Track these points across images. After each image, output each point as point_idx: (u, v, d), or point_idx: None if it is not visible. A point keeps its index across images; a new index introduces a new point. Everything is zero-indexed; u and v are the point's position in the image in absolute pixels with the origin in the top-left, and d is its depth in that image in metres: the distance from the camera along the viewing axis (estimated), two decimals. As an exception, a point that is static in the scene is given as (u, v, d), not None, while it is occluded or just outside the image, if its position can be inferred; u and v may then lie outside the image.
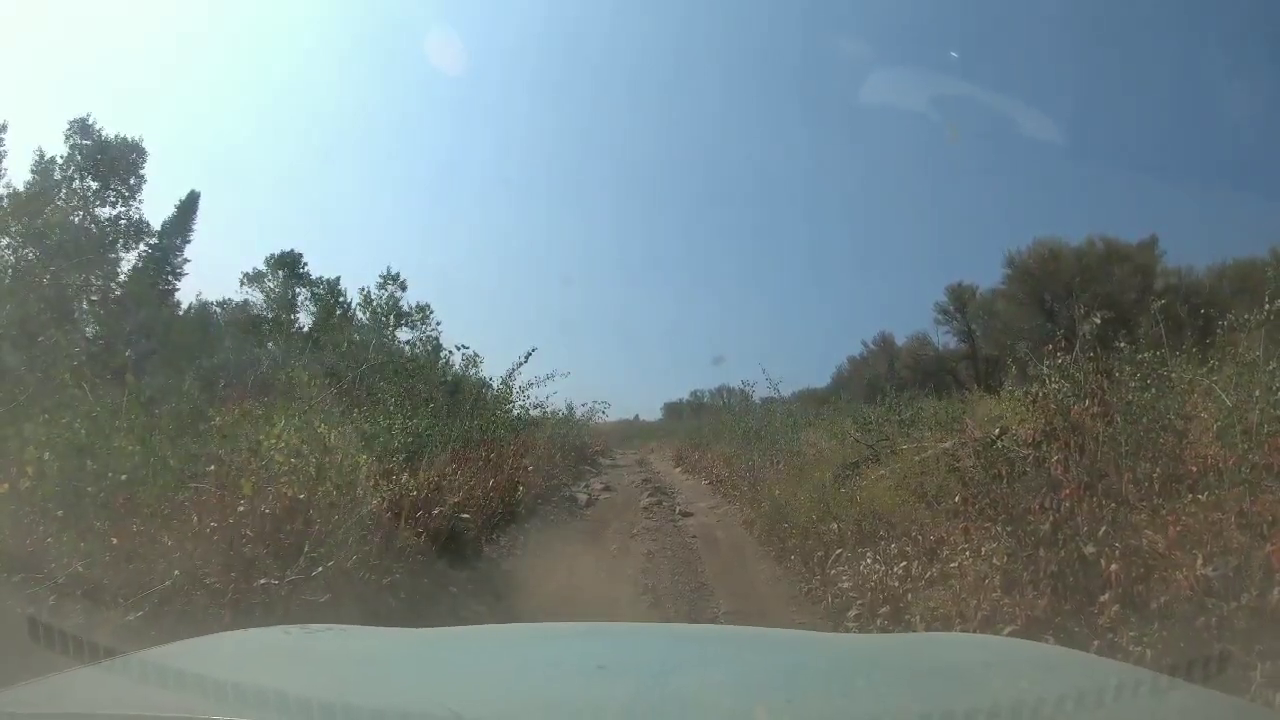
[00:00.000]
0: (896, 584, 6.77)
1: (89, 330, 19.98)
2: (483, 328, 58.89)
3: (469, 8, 40.57)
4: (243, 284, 29.04)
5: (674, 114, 49.20)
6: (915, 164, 45.24)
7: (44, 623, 3.08)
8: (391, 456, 9.16)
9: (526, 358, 18.12)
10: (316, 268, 29.42)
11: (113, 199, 25.15)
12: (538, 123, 50.37)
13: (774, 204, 53.72)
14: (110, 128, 25.49)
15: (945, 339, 40.57)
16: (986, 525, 6.18)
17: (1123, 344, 7.12)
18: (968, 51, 39.67)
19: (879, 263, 52.68)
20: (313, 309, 27.76)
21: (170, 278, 27.72)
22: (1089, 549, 5.16)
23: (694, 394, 50.54)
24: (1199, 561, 4.67)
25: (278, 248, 29.79)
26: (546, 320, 50.58)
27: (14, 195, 17.82)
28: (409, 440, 10.50)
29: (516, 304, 52.69)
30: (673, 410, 52.66)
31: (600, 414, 27.25)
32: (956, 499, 6.85)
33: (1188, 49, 30.90)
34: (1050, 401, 6.33)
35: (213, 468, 6.33)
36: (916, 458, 9.50)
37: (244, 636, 3.10)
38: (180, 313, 25.74)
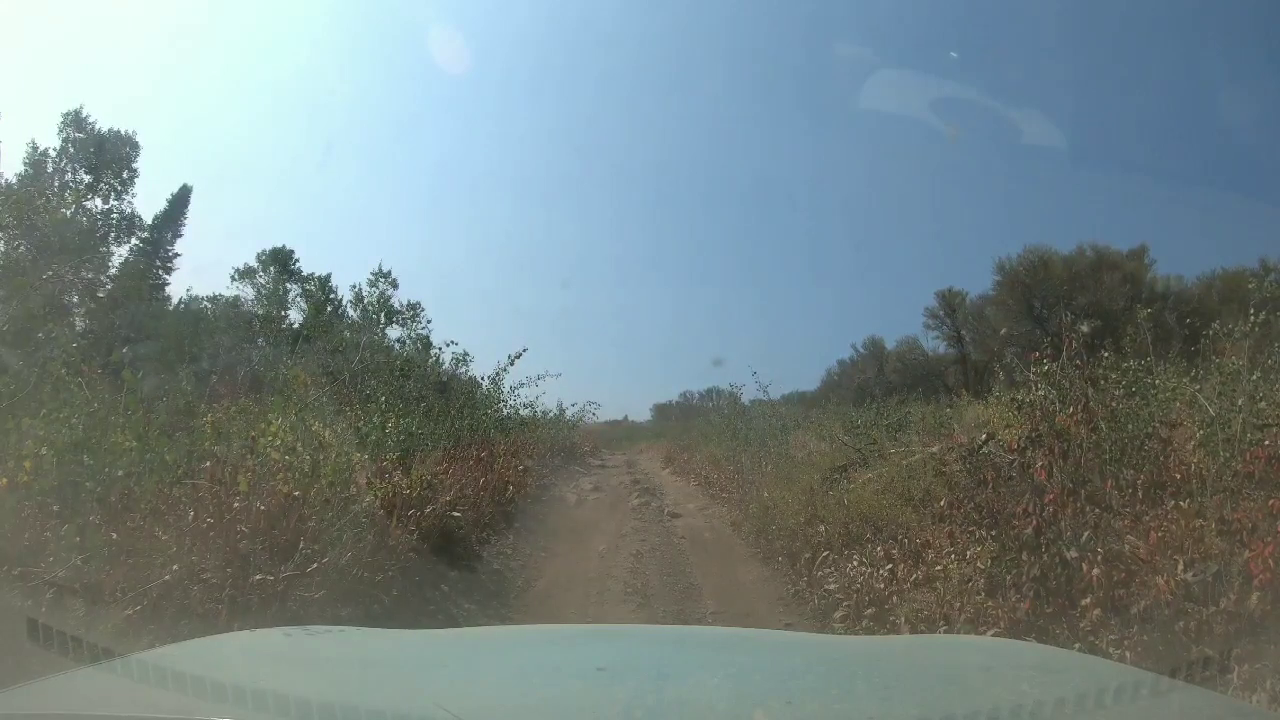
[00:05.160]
0: (882, 586, 6.83)
1: (79, 324, 19.91)
2: (477, 326, 58.76)
3: (470, 7, 40.37)
4: (233, 279, 28.90)
5: (669, 117, 49.17)
6: (909, 169, 45.27)
7: (42, 623, 3.10)
8: (384, 455, 9.19)
9: (514, 359, 18.19)
10: (316, 267, 29.26)
11: (104, 192, 25.09)
12: (536, 124, 50.22)
13: (768, 207, 53.58)
14: (109, 123, 25.52)
15: (935, 344, 40.74)
16: (971, 529, 6.26)
17: (1108, 352, 7.21)
18: (965, 57, 39.75)
19: (870, 267, 52.69)
20: (303, 306, 27.63)
21: (160, 272, 27.69)
22: (1071, 553, 5.23)
23: (683, 395, 50.76)
24: (1179, 567, 4.76)
25: (275, 246, 29.71)
26: (541, 319, 50.52)
27: (6, 187, 17.73)
28: (401, 439, 10.53)
29: (512, 303, 52.59)
30: (662, 411, 52.80)
31: (590, 414, 27.37)
32: (942, 503, 6.93)
33: (1185, 55, 31.02)
34: (1036, 408, 6.40)
35: (208, 464, 6.34)
36: (904, 462, 9.59)
37: (244, 638, 3.11)
38: (170, 307, 25.62)
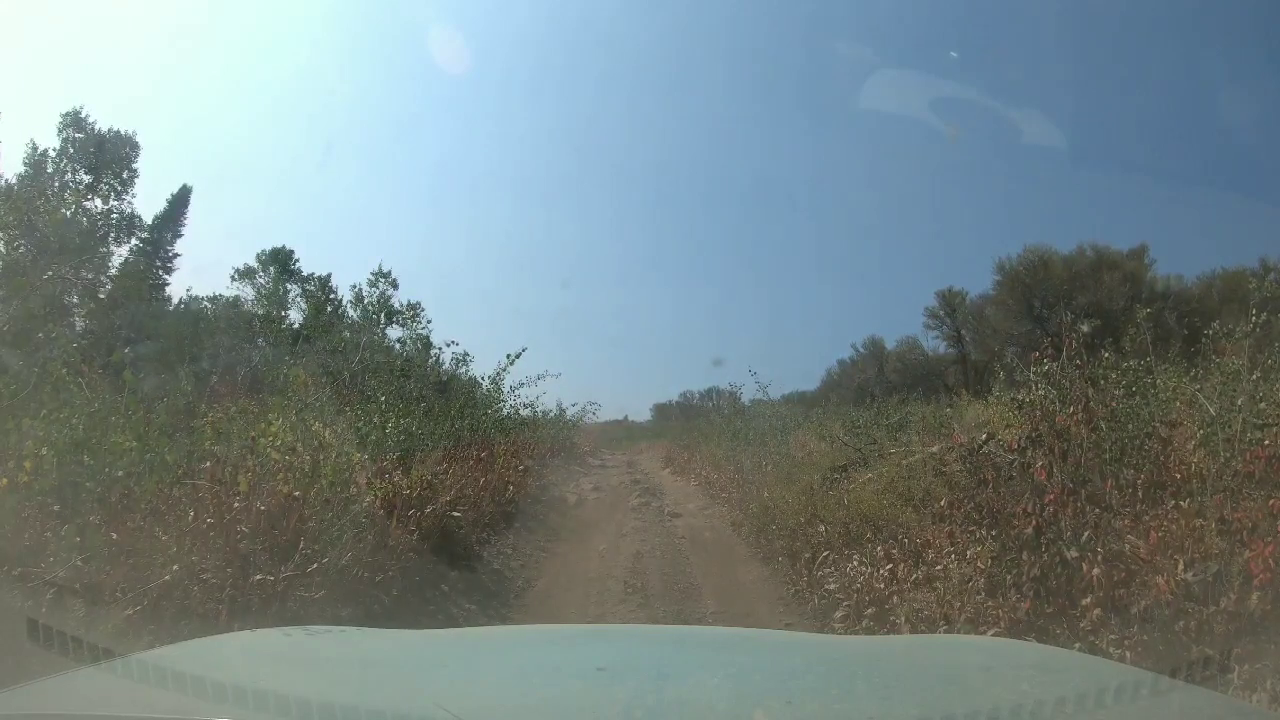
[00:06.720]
0: (882, 586, 6.81)
1: (79, 324, 19.92)
2: (477, 326, 58.82)
3: (470, 7, 40.40)
4: (233, 279, 28.86)
5: (669, 117, 49.18)
6: (909, 169, 45.27)
7: (42, 623, 3.10)
8: (384, 455, 9.19)
9: (514, 359, 18.18)
10: (316, 267, 29.24)
11: (104, 192, 25.07)
12: (536, 124, 50.31)
13: (768, 207, 53.71)
14: (109, 123, 25.46)
15: (935, 344, 40.65)
16: (971, 529, 6.26)
17: (1108, 352, 7.21)
18: (965, 57, 39.74)
19: (870, 267, 52.78)
20: (303, 306, 27.63)
21: (160, 272, 27.66)
22: (1071, 553, 5.22)
23: (683, 395, 50.79)
24: (1180, 567, 4.76)
25: (275, 246, 29.69)
26: (541, 319, 50.50)
27: (6, 187, 17.75)
28: (401, 439, 10.53)
29: (512, 303, 52.64)
30: (662, 411, 52.77)
31: (590, 414, 27.41)
32: (942, 503, 6.92)
33: (1185, 55, 31.01)
34: (1036, 408, 6.39)
35: (208, 464, 6.34)
36: (904, 462, 9.59)
37: (244, 638, 3.11)
38: (170, 307, 25.62)
